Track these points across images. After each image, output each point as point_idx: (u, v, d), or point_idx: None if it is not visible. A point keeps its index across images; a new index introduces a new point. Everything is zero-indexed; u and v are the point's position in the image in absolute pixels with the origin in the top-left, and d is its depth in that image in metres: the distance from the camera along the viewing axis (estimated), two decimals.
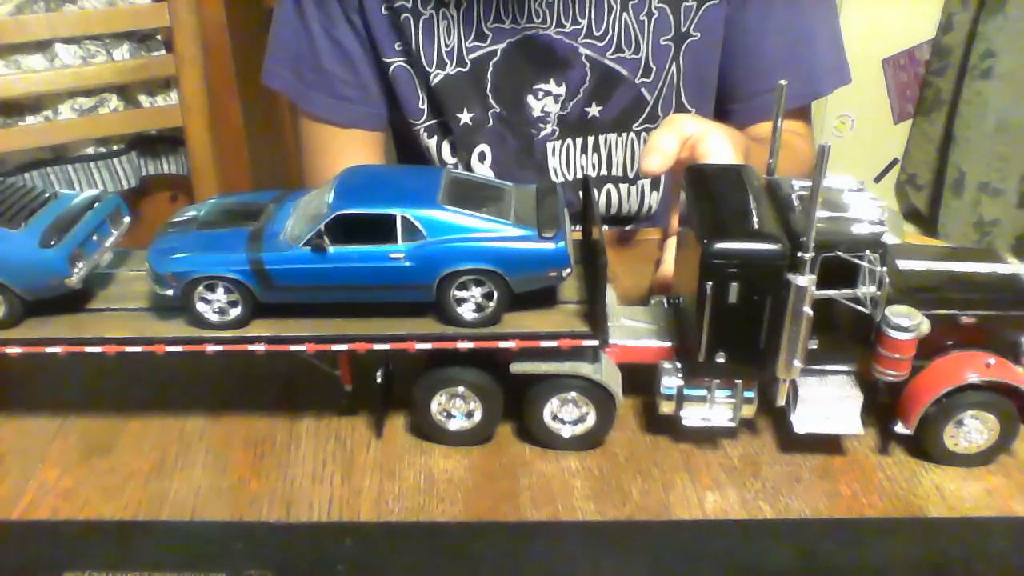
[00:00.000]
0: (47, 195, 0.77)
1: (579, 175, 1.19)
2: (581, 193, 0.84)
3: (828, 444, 0.75)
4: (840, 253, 0.67)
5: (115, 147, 1.57)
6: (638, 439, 0.77)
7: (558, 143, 1.18)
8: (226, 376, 0.84)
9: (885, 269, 0.67)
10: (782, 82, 0.74)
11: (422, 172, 0.90)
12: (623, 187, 1.21)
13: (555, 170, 1.19)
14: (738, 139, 0.94)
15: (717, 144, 0.87)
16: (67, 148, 1.54)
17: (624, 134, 1.18)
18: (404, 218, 0.70)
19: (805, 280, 0.67)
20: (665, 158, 0.87)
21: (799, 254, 0.66)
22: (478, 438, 0.76)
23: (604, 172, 1.19)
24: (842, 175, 0.74)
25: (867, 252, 0.67)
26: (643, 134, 1.17)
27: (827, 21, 1.18)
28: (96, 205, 0.78)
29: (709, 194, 0.74)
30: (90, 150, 1.56)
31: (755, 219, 0.70)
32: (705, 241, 0.68)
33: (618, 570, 0.65)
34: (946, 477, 0.73)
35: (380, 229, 0.70)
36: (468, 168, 1.19)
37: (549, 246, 0.71)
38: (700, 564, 0.66)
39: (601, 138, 1.18)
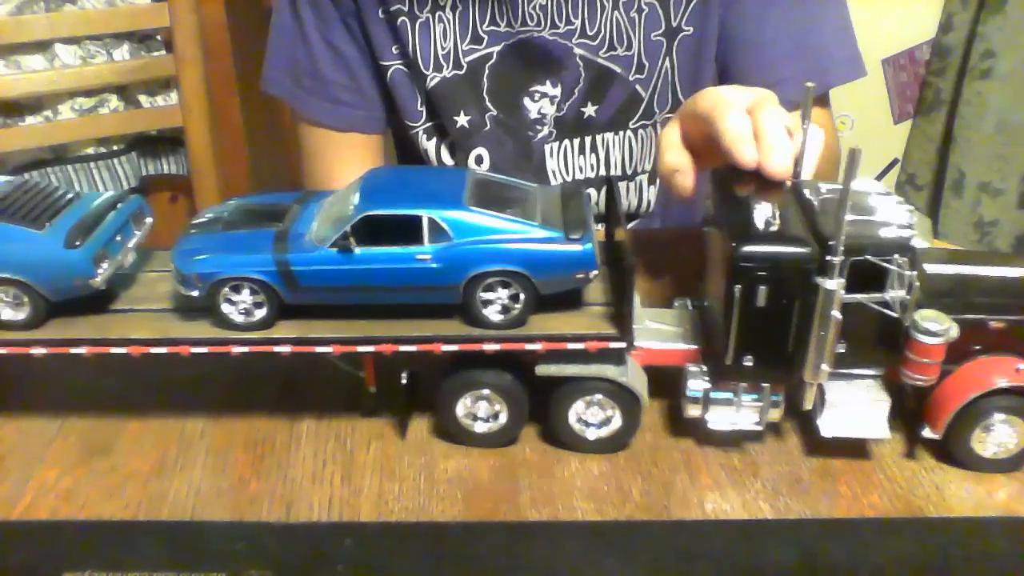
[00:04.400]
0: (70, 195, 0.77)
1: (578, 176, 1.20)
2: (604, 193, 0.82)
3: (828, 445, 0.75)
4: (869, 257, 0.67)
5: (115, 147, 1.58)
6: (638, 439, 0.77)
7: (556, 144, 1.18)
8: (226, 376, 0.84)
9: (915, 273, 0.67)
10: (809, 84, 0.73)
11: (447, 173, 0.89)
12: (621, 184, 1.21)
13: (554, 172, 1.19)
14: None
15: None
16: (67, 148, 1.54)
17: (621, 132, 1.18)
18: (431, 219, 0.69)
19: (834, 284, 0.66)
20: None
21: (828, 257, 0.66)
22: (503, 440, 0.76)
23: (603, 172, 1.20)
24: (867, 179, 0.73)
25: (896, 256, 0.67)
26: (640, 131, 1.17)
27: (834, 11, 1.14)
28: (119, 205, 0.77)
29: (736, 196, 0.74)
30: (90, 150, 1.56)
31: (783, 222, 0.69)
32: (734, 244, 0.67)
33: (618, 570, 0.65)
34: (946, 477, 0.73)
35: (406, 230, 0.70)
36: None
37: (576, 248, 0.70)
38: (700, 564, 0.66)
39: (598, 138, 1.18)
